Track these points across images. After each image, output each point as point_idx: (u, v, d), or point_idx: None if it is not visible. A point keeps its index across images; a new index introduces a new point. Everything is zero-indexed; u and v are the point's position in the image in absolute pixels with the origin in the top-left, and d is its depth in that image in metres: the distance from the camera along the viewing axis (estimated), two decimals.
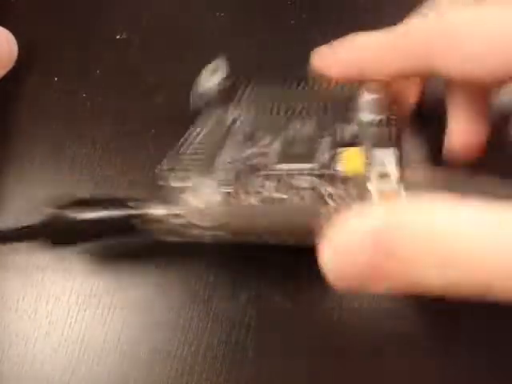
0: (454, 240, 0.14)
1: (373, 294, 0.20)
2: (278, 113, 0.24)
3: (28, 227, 0.20)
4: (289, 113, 0.24)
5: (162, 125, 0.25)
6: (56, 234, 0.20)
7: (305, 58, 0.22)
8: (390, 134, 0.23)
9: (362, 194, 0.23)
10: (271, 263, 0.24)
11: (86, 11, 0.26)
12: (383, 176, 0.23)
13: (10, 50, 0.23)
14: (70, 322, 0.23)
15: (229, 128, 0.24)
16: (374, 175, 0.23)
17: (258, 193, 0.23)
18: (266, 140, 0.24)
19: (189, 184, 0.22)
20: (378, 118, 0.23)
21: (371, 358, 0.24)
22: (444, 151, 0.25)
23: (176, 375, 0.22)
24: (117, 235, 0.22)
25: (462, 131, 0.24)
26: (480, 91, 0.23)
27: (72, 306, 0.23)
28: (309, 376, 0.23)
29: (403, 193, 0.22)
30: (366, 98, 0.23)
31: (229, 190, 0.22)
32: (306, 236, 0.20)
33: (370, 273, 0.15)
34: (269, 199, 0.23)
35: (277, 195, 0.23)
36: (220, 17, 0.27)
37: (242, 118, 0.24)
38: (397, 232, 0.14)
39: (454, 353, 0.24)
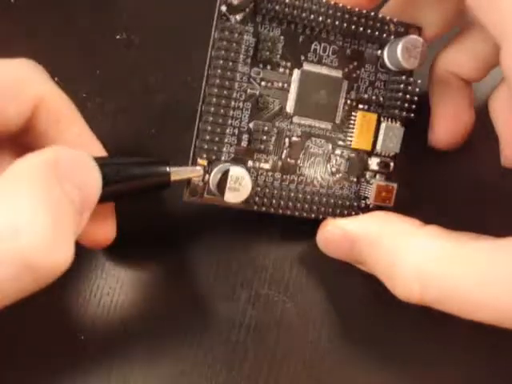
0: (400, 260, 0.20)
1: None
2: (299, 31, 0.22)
3: None
4: (309, 31, 0.22)
5: (162, 124, 0.25)
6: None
7: None
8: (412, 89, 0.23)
9: (361, 173, 0.23)
10: (271, 263, 0.24)
11: (86, 11, 0.26)
12: (383, 166, 0.23)
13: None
14: (70, 322, 0.23)
15: (248, 48, 0.22)
16: (375, 163, 0.23)
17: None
18: (287, 67, 0.22)
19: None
20: (411, 66, 0.22)
21: (373, 358, 0.24)
22: (429, 137, 0.25)
23: (176, 375, 0.22)
24: (150, 188, 0.21)
25: (447, 118, 0.24)
26: (464, 80, 0.24)
27: (72, 306, 0.23)
28: (309, 376, 0.23)
29: (395, 190, 0.23)
30: (409, 40, 0.22)
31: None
32: None
33: (344, 255, 0.22)
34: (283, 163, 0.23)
35: (290, 161, 0.23)
36: None
37: (263, 31, 0.22)
38: (365, 244, 0.21)
39: (453, 354, 0.24)
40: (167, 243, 0.24)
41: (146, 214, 0.24)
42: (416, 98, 0.23)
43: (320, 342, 0.24)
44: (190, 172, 0.21)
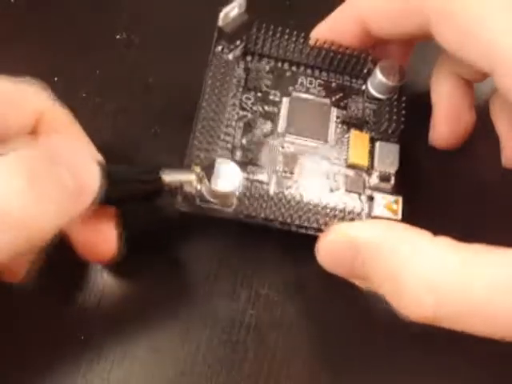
0: (414, 272, 0.17)
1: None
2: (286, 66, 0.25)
3: None
4: (295, 68, 0.25)
5: (161, 124, 0.25)
6: None
7: None
8: (398, 115, 0.24)
9: (362, 189, 0.23)
10: (271, 263, 0.24)
11: (86, 11, 0.26)
12: (384, 179, 0.23)
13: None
14: (70, 322, 0.23)
15: (239, 78, 0.24)
16: (375, 177, 0.23)
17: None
18: (277, 96, 0.24)
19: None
20: (390, 94, 0.24)
21: (373, 359, 0.24)
22: (430, 137, 0.25)
23: (176, 375, 0.22)
24: (143, 197, 0.21)
25: (448, 118, 0.24)
26: (465, 80, 0.24)
27: (72, 306, 0.23)
28: (310, 376, 0.23)
29: (400, 203, 0.23)
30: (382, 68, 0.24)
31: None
32: None
33: (345, 269, 0.20)
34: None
35: (286, 175, 0.23)
36: None
37: (253, 66, 0.24)
38: (370, 251, 0.19)
39: (454, 354, 0.24)
40: (167, 243, 0.24)
41: (145, 215, 0.24)
42: (404, 112, 0.24)
43: (320, 342, 0.24)
44: (182, 175, 0.21)
